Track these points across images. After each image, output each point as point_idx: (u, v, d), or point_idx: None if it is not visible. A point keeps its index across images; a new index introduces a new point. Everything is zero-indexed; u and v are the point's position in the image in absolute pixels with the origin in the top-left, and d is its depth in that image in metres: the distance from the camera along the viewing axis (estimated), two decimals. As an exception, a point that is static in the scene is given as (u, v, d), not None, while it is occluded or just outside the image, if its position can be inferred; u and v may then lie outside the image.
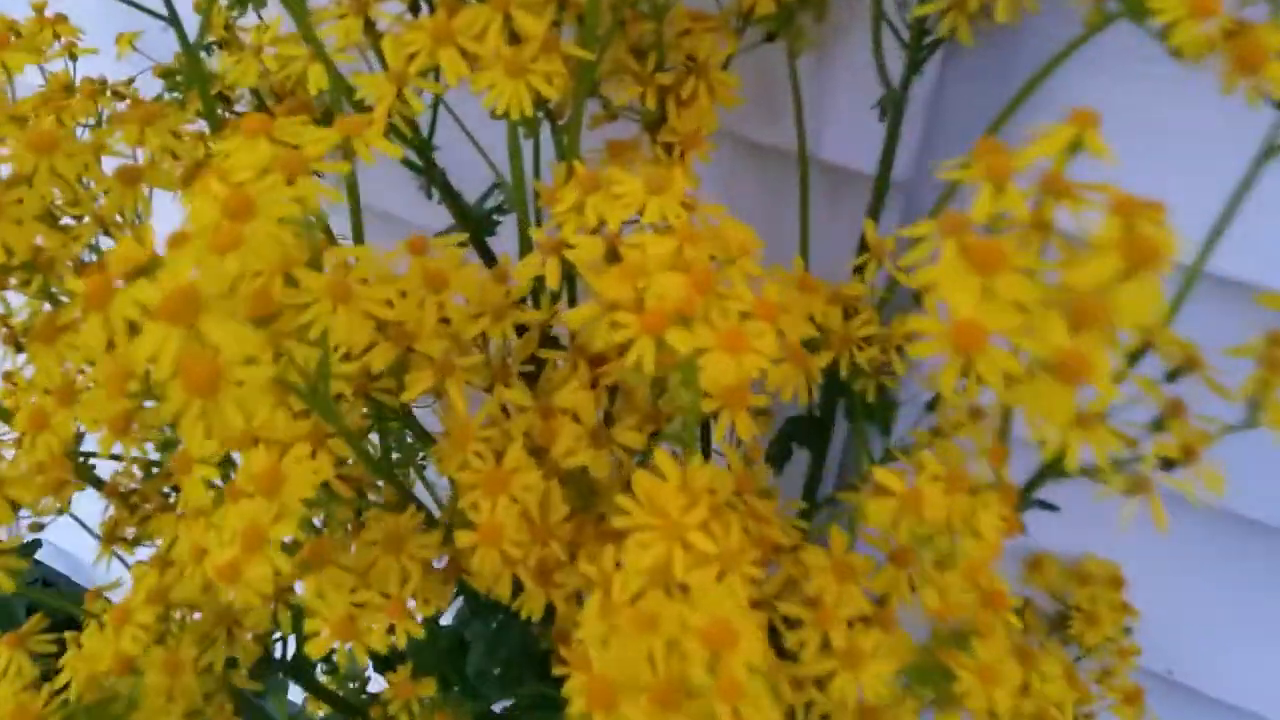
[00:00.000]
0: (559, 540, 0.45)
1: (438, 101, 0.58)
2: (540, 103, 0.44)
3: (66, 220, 0.57)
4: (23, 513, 0.54)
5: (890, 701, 0.43)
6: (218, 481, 0.45)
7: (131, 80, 0.72)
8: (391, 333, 0.45)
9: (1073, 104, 0.33)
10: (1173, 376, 0.47)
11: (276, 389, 0.41)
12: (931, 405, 0.57)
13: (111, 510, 0.59)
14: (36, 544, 0.67)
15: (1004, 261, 0.29)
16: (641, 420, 0.48)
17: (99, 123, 0.68)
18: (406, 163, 0.54)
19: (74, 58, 0.65)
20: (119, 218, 0.51)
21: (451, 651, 0.67)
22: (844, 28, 0.56)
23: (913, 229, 0.32)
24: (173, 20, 0.55)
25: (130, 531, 0.60)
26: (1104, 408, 0.38)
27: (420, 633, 0.43)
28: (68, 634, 0.56)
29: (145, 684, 0.43)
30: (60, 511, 0.56)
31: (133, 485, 0.59)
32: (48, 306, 0.58)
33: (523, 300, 0.48)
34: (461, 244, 0.46)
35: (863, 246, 0.58)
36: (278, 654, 0.58)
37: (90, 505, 0.60)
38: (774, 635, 0.45)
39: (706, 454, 0.50)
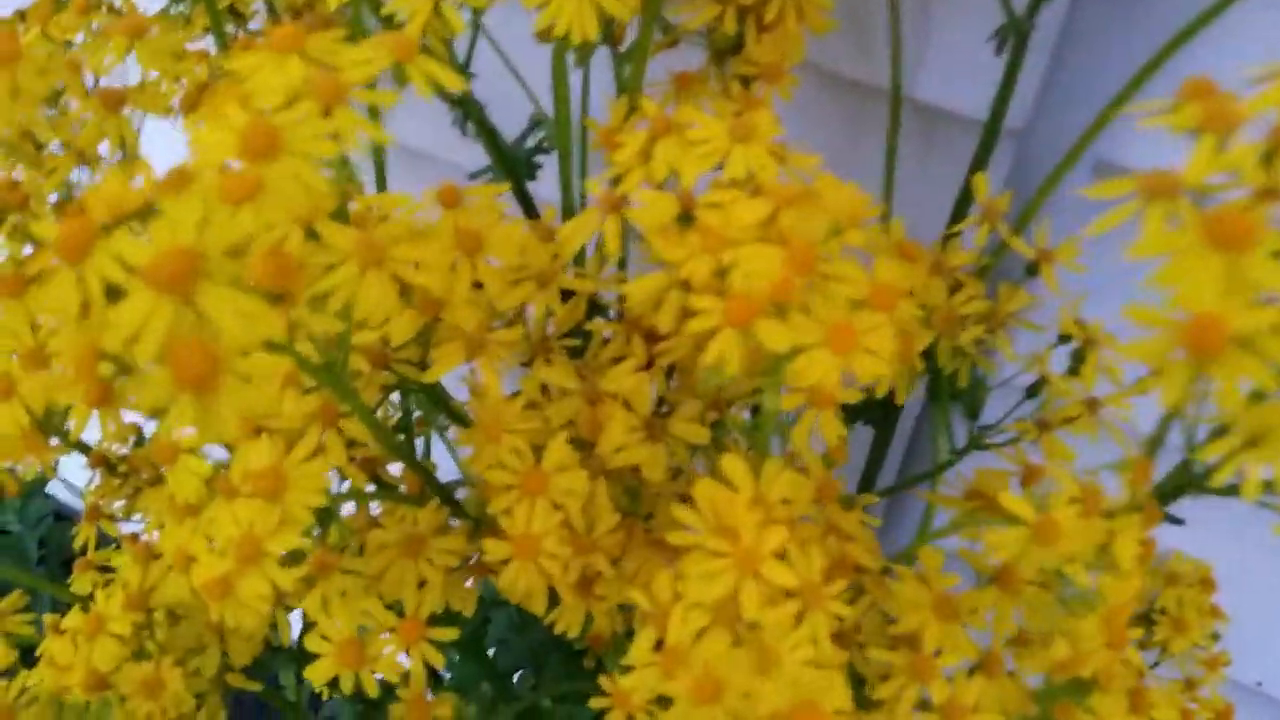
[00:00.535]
0: (605, 553, 0.38)
1: (476, 18, 0.49)
2: (605, 23, 0.36)
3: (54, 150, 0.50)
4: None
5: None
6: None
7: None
8: (417, 299, 0.37)
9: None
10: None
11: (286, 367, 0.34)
12: (1032, 391, 0.49)
13: (98, 479, 0.52)
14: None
15: (1251, 238, 0.21)
16: (703, 409, 0.41)
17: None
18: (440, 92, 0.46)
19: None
20: (102, 151, 0.44)
21: (475, 635, 0.61)
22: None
23: (1104, 187, 0.24)
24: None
25: (119, 504, 0.53)
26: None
27: (442, 663, 0.36)
28: (47, 618, 0.50)
29: (119, 711, 0.37)
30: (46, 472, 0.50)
31: (123, 450, 0.52)
32: (29, 250, 0.51)
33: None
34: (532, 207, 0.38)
35: (961, 203, 0.50)
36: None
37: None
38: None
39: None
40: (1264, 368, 0.21)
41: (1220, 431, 0.30)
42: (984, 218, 0.42)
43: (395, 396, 0.47)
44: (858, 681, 0.39)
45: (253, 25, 0.63)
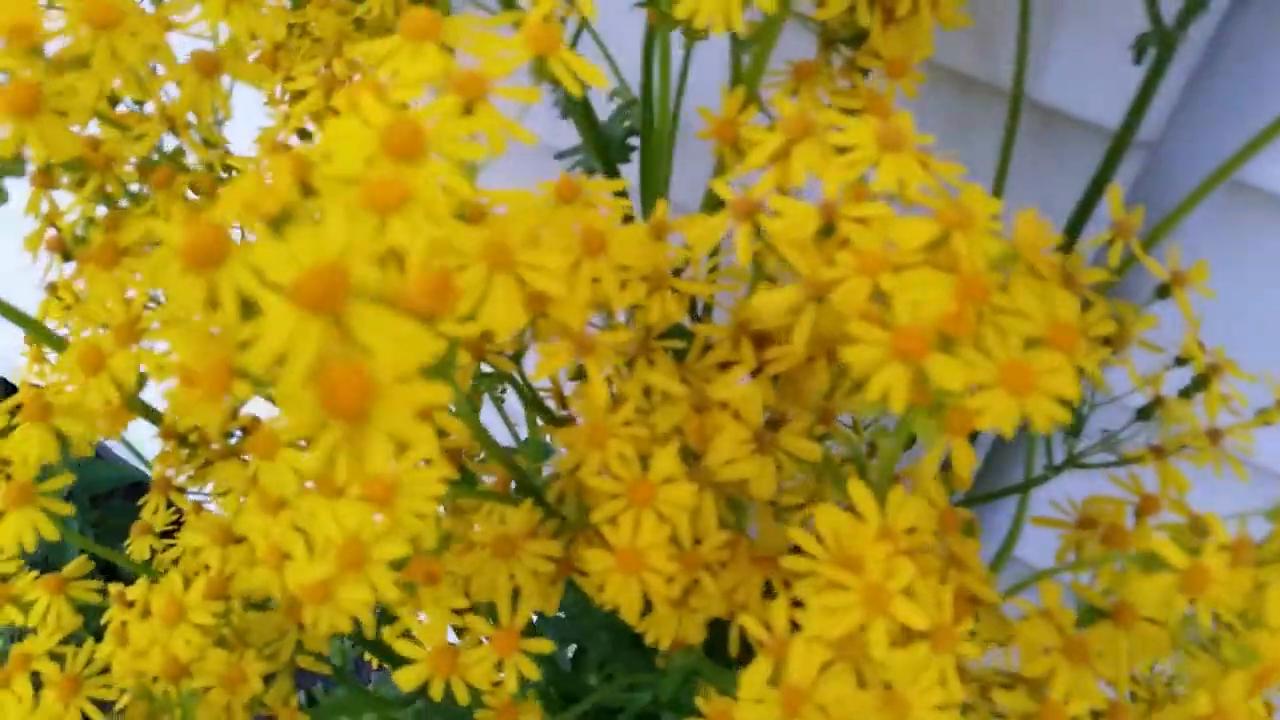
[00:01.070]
0: (711, 571, 0.36)
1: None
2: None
3: (122, 108, 0.48)
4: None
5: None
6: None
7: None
8: (524, 296, 0.35)
9: None
10: None
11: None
12: (1144, 413, 0.47)
13: (165, 447, 0.51)
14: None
15: None
16: (813, 422, 0.39)
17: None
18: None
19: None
20: (191, 117, 0.42)
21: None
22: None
23: None
24: None
25: (186, 473, 0.52)
26: None
27: (537, 675, 0.35)
28: (112, 588, 0.50)
29: (201, 701, 0.36)
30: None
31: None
32: (102, 210, 0.49)
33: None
34: (619, 193, 0.36)
35: (1080, 212, 0.48)
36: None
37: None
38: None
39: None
40: None
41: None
42: (1117, 234, 0.40)
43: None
44: None
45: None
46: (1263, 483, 0.47)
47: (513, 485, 0.43)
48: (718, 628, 0.41)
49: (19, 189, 0.41)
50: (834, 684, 0.30)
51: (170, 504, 0.52)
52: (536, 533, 0.39)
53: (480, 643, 0.36)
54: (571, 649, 0.70)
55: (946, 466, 0.46)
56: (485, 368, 0.42)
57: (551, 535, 0.41)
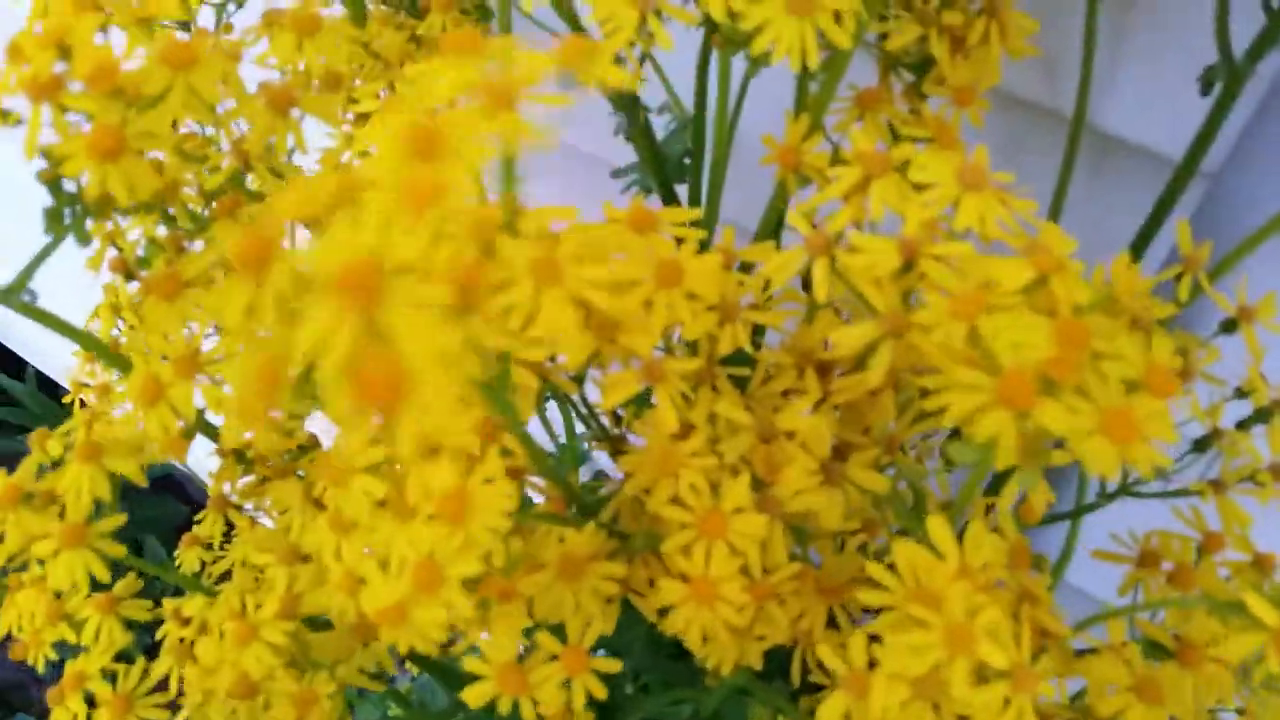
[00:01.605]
0: (779, 602, 0.36)
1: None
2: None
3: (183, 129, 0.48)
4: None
5: None
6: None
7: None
8: (593, 322, 0.36)
9: None
10: None
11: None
12: (1201, 444, 0.47)
13: (220, 464, 0.51)
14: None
15: None
16: (879, 452, 0.39)
17: (223, 4, 0.58)
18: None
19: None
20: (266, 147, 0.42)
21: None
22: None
23: None
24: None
25: (242, 482, 0.52)
26: None
27: (604, 695, 0.35)
28: (167, 603, 0.50)
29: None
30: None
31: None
32: (162, 229, 0.49)
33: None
34: (696, 223, 0.36)
35: (1139, 242, 0.48)
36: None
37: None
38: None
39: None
40: None
41: None
42: (1186, 267, 0.40)
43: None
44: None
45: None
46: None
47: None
48: (772, 649, 0.41)
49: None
50: (912, 722, 0.30)
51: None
52: (599, 554, 0.39)
53: (548, 661, 0.36)
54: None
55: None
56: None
57: (608, 556, 0.41)
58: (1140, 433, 0.25)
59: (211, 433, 0.51)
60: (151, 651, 0.49)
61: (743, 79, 0.47)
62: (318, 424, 0.49)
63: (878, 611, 0.33)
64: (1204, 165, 0.45)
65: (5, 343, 1.58)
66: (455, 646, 0.38)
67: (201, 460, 0.53)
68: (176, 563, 0.56)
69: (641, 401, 0.40)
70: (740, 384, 0.41)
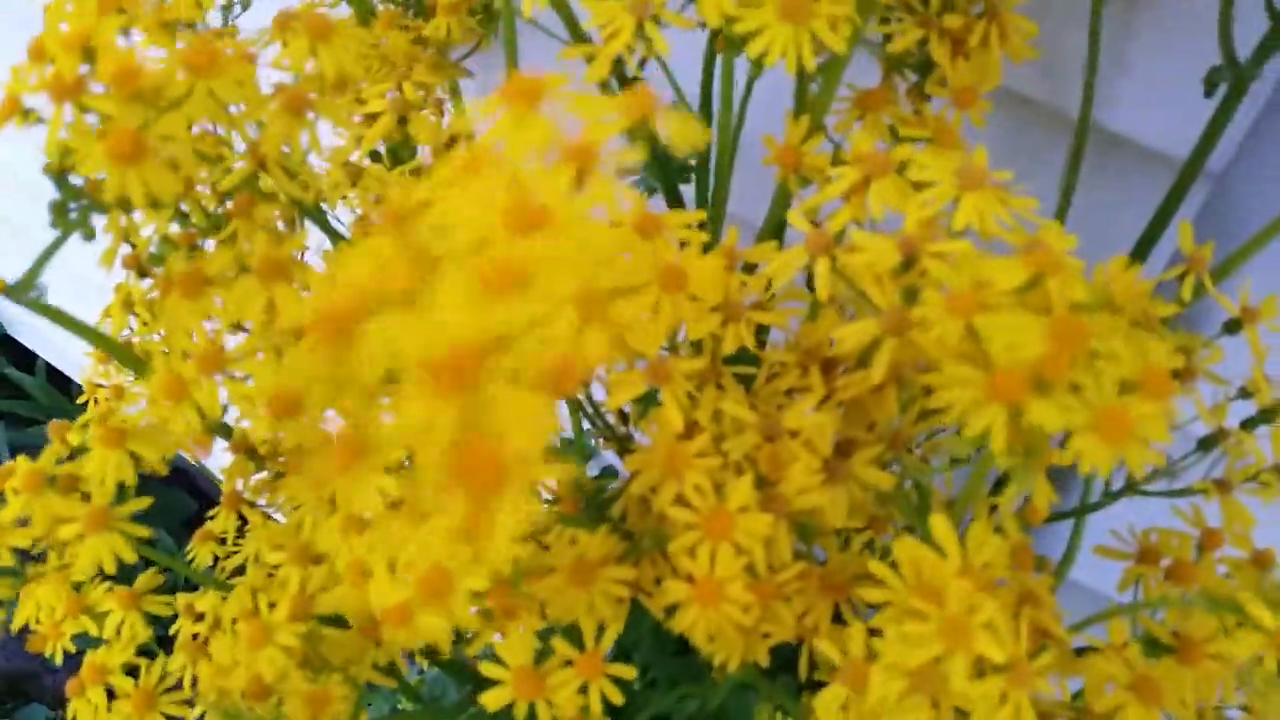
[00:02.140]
0: (784, 601, 0.36)
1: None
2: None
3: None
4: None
5: None
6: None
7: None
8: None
9: None
10: None
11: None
12: (1206, 443, 0.47)
13: (233, 460, 0.52)
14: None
15: None
16: (884, 449, 0.39)
17: (230, 5, 0.59)
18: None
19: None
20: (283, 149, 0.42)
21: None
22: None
23: None
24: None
25: (255, 478, 0.53)
26: None
27: (620, 699, 0.36)
28: (180, 598, 0.50)
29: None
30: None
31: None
32: (175, 227, 0.50)
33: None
34: (702, 224, 0.36)
35: (1144, 242, 0.48)
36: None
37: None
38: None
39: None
40: None
41: None
42: (1189, 268, 0.40)
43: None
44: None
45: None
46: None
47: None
48: (778, 645, 0.41)
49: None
50: (910, 713, 0.31)
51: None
52: (609, 558, 0.40)
53: (564, 665, 0.37)
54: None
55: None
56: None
57: (620, 557, 0.41)
58: (1134, 433, 0.25)
59: (224, 430, 0.51)
60: (164, 643, 0.50)
61: (746, 80, 0.47)
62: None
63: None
64: (1210, 165, 0.45)
65: (16, 336, 1.60)
66: (468, 645, 0.39)
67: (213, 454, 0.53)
68: (189, 557, 0.57)
69: (648, 399, 0.41)
70: (747, 382, 0.41)
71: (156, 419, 0.39)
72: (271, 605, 0.39)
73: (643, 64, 0.48)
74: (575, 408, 0.47)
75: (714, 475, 0.37)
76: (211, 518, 0.51)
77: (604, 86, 0.46)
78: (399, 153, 0.51)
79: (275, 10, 0.42)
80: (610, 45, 0.36)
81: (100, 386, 0.56)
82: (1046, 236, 0.31)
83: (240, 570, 0.51)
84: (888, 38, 0.43)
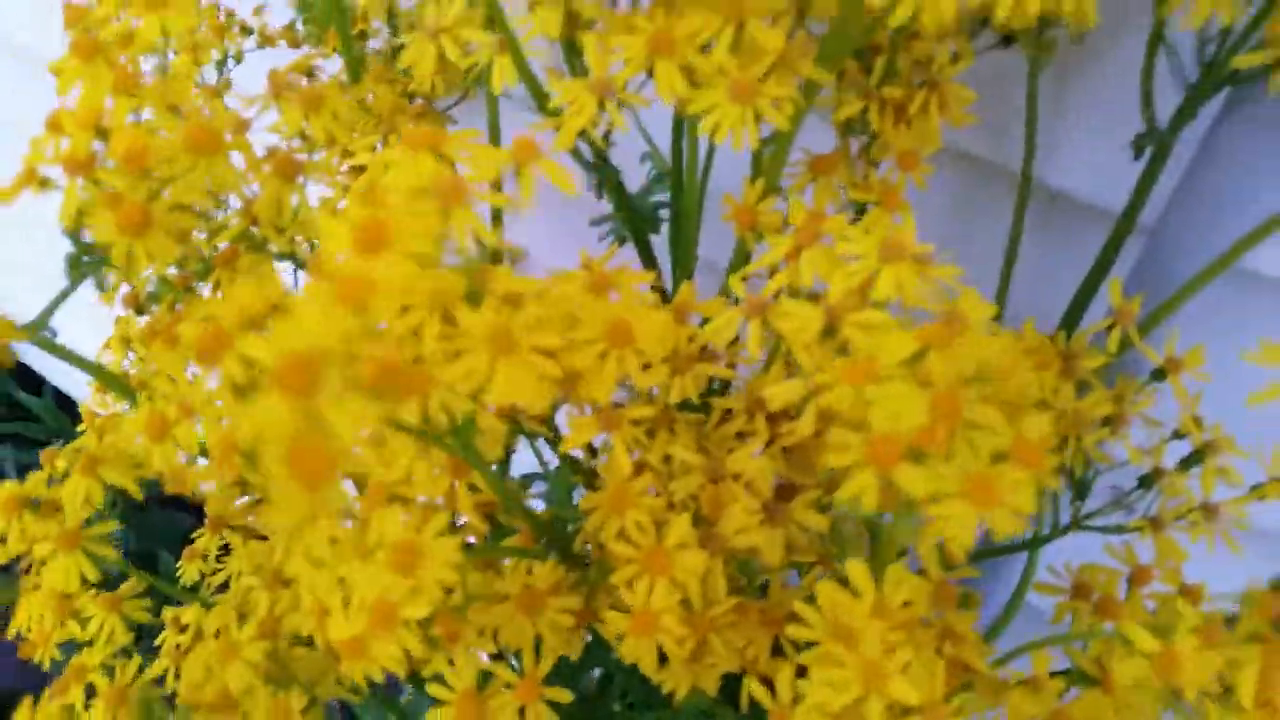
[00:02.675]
0: (719, 632, 0.39)
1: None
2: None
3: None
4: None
5: None
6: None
7: (260, 9, 0.66)
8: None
9: None
10: None
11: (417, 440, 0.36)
12: (1144, 481, 0.49)
13: (215, 488, 0.55)
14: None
15: None
16: (822, 493, 0.42)
17: (224, 60, 0.62)
18: (578, 158, 0.47)
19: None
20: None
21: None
22: (1099, 47, 0.47)
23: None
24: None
25: (239, 503, 0.56)
26: None
27: (556, 721, 0.38)
28: (167, 611, 0.53)
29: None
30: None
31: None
32: (173, 270, 0.53)
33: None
34: (654, 286, 0.39)
35: (1082, 294, 0.50)
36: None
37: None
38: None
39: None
40: None
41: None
42: (1116, 320, 0.43)
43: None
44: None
45: (373, 44, 0.64)
46: (1264, 543, 0.48)
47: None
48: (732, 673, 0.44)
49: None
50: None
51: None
52: (559, 587, 0.42)
53: (505, 689, 0.39)
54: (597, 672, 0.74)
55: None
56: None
57: (574, 585, 0.44)
58: (1001, 500, 0.27)
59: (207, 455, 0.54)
60: (150, 657, 0.53)
61: (709, 144, 0.50)
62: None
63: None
64: (1143, 220, 0.47)
65: (25, 360, 1.64)
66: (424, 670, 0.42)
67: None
68: (178, 572, 0.61)
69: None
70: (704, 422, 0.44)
71: (142, 452, 0.42)
72: (242, 617, 0.42)
73: (608, 134, 0.51)
74: (537, 447, 0.50)
75: (657, 514, 0.39)
76: (194, 539, 0.55)
77: (575, 153, 0.49)
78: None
79: (268, 57, 0.45)
80: (573, 121, 0.38)
81: (97, 415, 0.59)
82: (963, 305, 0.34)
83: (225, 586, 0.54)
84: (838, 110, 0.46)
